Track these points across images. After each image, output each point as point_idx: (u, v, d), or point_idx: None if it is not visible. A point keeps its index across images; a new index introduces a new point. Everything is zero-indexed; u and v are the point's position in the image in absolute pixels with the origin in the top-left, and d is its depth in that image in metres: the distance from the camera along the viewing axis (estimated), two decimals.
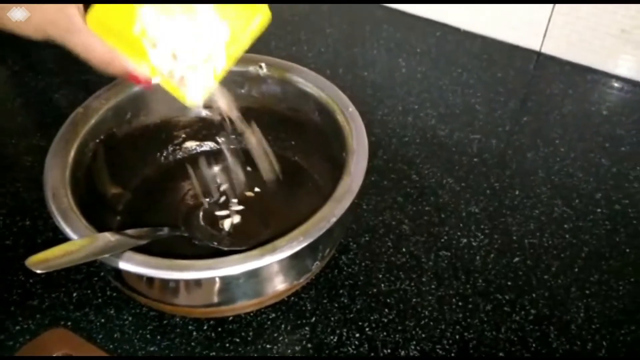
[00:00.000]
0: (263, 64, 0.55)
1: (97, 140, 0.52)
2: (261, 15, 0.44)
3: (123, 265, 0.40)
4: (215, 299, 0.45)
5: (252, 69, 0.56)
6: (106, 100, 0.52)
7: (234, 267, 0.40)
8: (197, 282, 0.43)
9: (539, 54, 0.79)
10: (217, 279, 0.42)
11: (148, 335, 0.50)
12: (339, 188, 0.45)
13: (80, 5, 0.41)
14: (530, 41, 0.78)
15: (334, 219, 0.43)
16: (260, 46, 0.51)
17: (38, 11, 0.39)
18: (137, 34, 0.42)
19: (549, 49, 0.78)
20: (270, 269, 0.43)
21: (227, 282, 0.43)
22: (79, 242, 0.41)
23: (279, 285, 0.46)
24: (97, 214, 0.46)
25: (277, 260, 0.41)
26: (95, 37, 0.41)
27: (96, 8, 0.41)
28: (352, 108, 0.51)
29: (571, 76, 0.76)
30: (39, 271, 0.36)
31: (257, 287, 0.45)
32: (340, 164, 0.49)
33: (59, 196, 0.44)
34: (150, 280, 0.44)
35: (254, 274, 0.43)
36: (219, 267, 0.40)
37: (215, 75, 0.44)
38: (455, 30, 0.83)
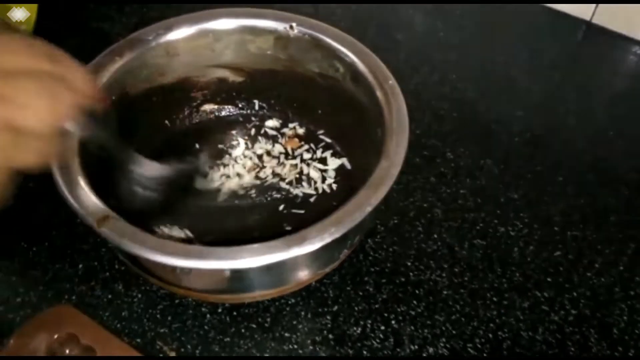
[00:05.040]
0: (294, 24, 0.50)
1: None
2: None
3: (138, 250, 0.36)
4: (233, 287, 0.42)
5: (281, 28, 0.50)
6: (120, 56, 0.47)
7: (258, 258, 0.36)
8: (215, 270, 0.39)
9: (589, 24, 0.72)
10: (238, 270, 0.38)
11: (158, 316, 0.47)
12: (376, 172, 0.40)
13: None
14: (580, 10, 0.71)
15: (369, 209, 0.38)
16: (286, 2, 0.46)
17: None
18: None
19: (600, 20, 0.71)
20: (295, 260, 0.39)
21: (248, 273, 0.40)
22: None
23: (303, 275, 0.43)
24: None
25: (305, 252, 0.37)
26: None
27: None
28: (392, 81, 0.46)
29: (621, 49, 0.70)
30: None
31: (280, 277, 0.42)
32: (375, 142, 0.44)
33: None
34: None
35: (277, 266, 0.39)
36: (241, 257, 0.36)
37: None
38: None
